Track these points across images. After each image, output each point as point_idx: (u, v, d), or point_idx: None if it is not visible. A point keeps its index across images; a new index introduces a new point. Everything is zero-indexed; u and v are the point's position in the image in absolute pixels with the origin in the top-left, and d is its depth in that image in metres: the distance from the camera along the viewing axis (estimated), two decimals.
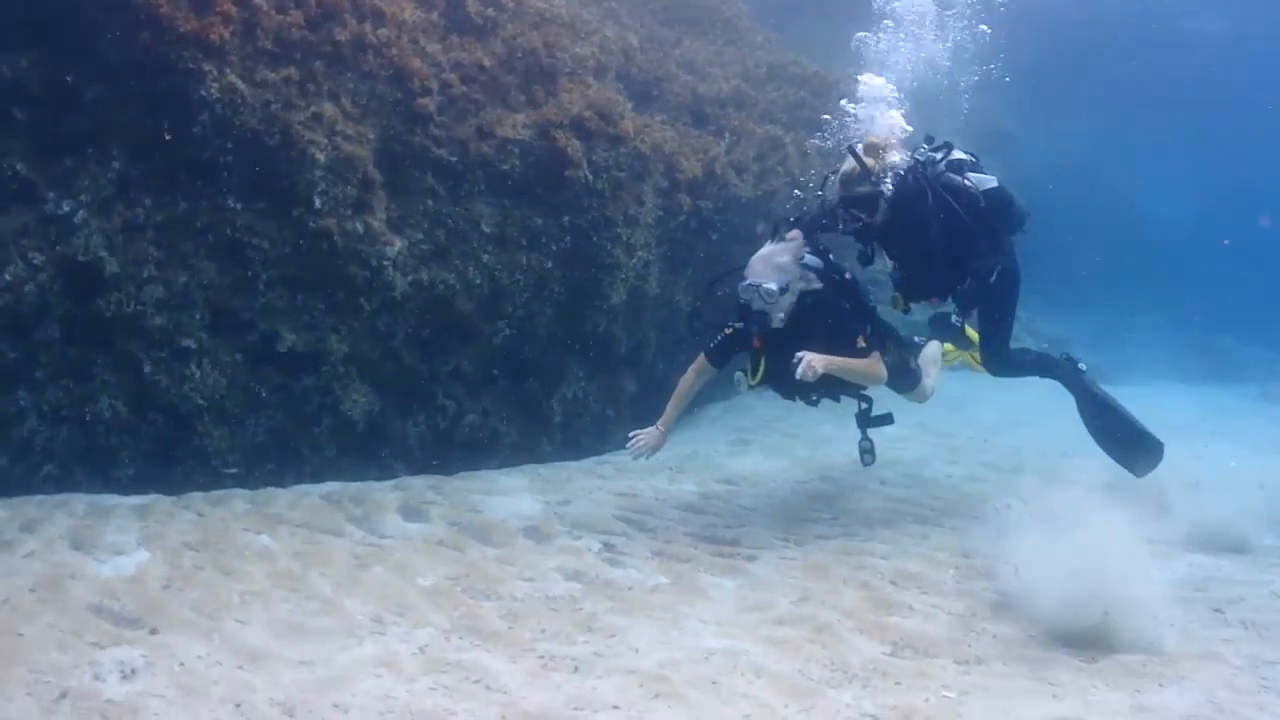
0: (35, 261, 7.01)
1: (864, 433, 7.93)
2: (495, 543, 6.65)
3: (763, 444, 10.27)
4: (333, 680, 4.48)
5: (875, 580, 6.29)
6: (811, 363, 6.70)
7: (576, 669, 4.76)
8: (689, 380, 7.64)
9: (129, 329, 7.33)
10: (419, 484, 7.87)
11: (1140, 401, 15.26)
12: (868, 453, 7.88)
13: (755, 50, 14.47)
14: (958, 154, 7.70)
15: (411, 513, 7.14)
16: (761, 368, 7.33)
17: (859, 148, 7.30)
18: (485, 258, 8.74)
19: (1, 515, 6.33)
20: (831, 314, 7.20)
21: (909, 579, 6.35)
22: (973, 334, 8.69)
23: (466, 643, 5.00)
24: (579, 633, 5.23)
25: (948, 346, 8.88)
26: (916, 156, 7.54)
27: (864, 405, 7.94)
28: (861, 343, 7.14)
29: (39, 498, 6.83)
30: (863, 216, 7.36)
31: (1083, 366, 8.36)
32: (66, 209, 7.13)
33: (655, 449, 7.47)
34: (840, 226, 7.48)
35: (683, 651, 5.00)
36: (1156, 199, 30.73)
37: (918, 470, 9.45)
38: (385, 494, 7.51)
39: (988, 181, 7.63)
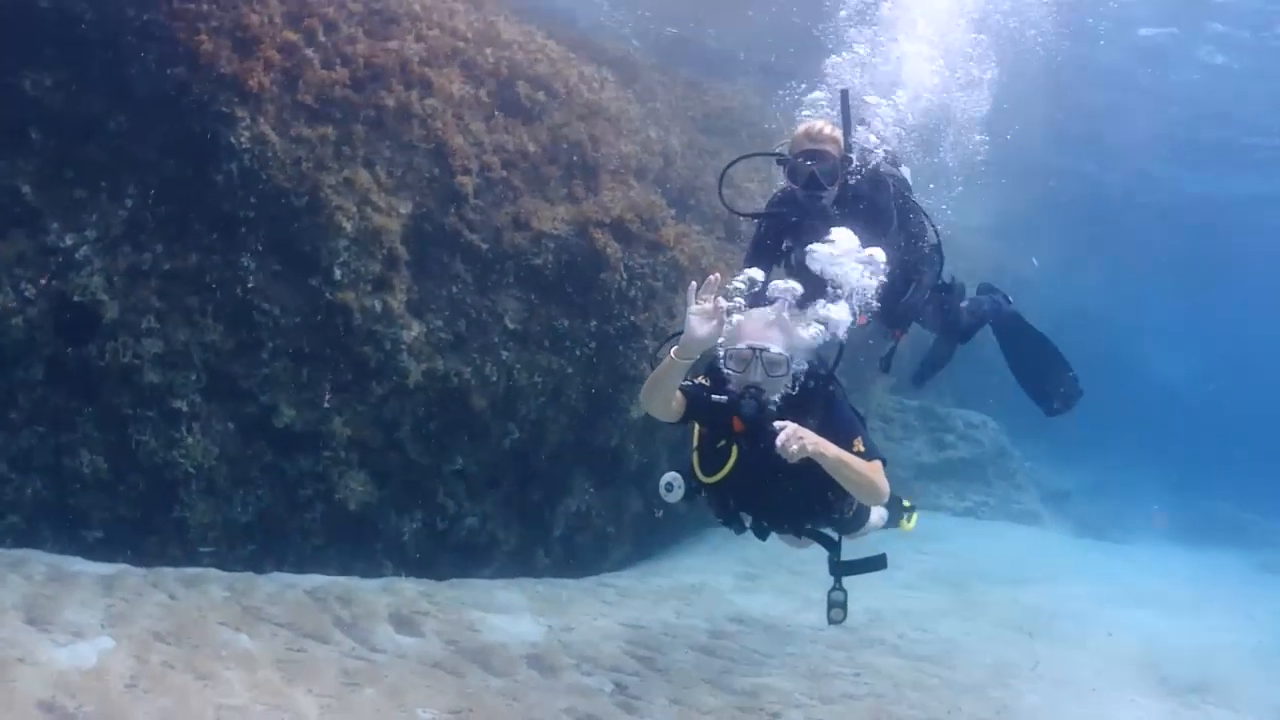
0: (27, 294, 6.55)
1: (838, 580, 6.01)
2: (497, 670, 5.97)
3: (771, 581, 9.65)
4: None
5: None
6: (798, 435, 4.80)
7: None
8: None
9: (120, 381, 6.81)
10: (410, 589, 7.21)
11: (1137, 562, 15.11)
12: (838, 606, 5.96)
13: None
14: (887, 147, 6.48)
15: (404, 624, 6.48)
16: (731, 462, 5.39)
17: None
18: (505, 355, 8.20)
19: None
20: (828, 403, 5.40)
21: None
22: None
23: None
24: None
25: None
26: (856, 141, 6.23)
27: (833, 550, 6.03)
28: (860, 446, 5.27)
29: None
30: (823, 188, 5.91)
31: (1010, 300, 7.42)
32: (70, 242, 6.68)
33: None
34: (791, 199, 6.05)
35: None
36: (1162, 357, 30.72)
37: (934, 626, 8.87)
38: (375, 597, 6.84)
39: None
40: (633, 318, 8.69)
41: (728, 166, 6.50)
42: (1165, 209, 26.33)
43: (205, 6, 6.84)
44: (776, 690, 6.47)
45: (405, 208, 7.72)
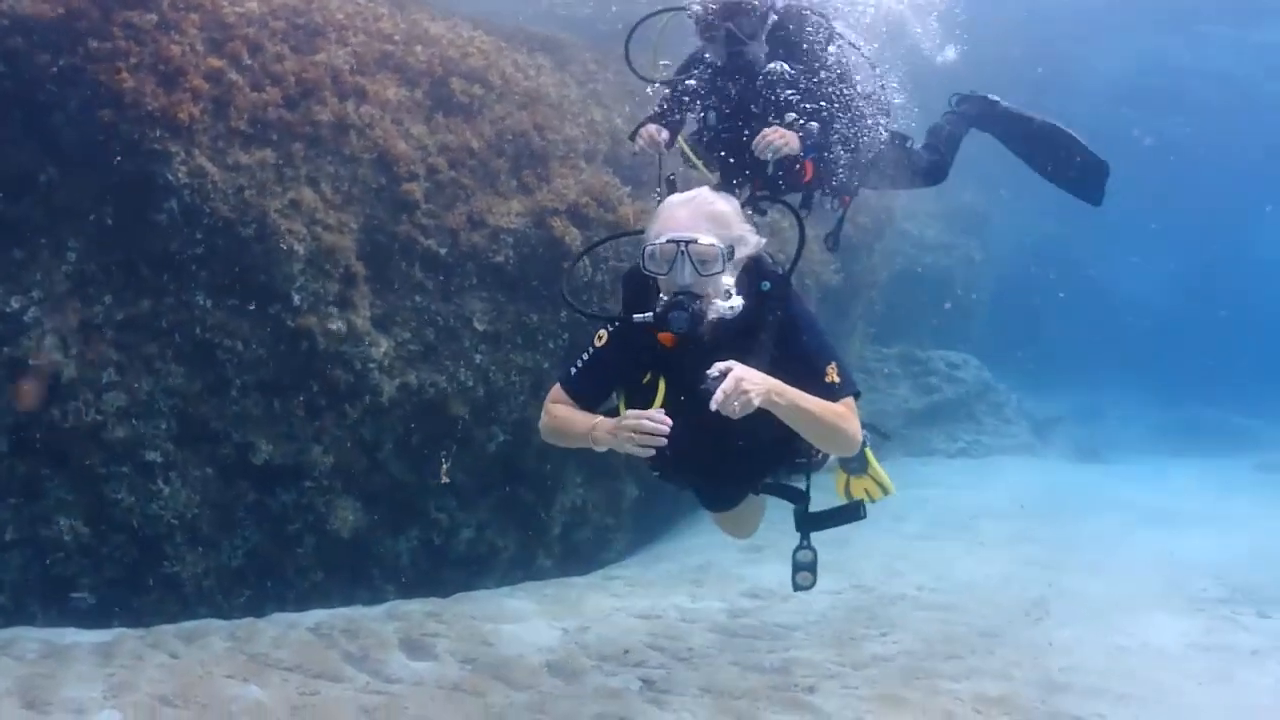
0: None
1: (805, 537, 4.83)
2: (518, 683, 5.75)
3: (777, 548, 9.35)
4: None
5: (958, 708, 5.53)
6: (740, 387, 3.67)
7: None
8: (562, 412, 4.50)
9: (88, 440, 6.56)
10: (416, 610, 6.99)
11: (1138, 480, 15.09)
12: (805, 568, 4.81)
13: None
14: None
15: (415, 648, 6.25)
16: (659, 397, 4.21)
17: None
18: (479, 358, 7.96)
19: None
20: (790, 316, 4.22)
21: (993, 704, 5.61)
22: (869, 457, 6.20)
23: None
24: None
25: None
26: None
27: (800, 502, 4.85)
28: (833, 376, 4.13)
29: None
30: (744, 43, 5.36)
31: (993, 98, 6.76)
32: (16, 306, 6.40)
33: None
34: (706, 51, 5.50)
35: None
36: (1123, 271, 30.70)
37: (950, 573, 8.72)
38: (381, 625, 6.61)
39: None
40: (602, 303, 8.44)
41: (633, 29, 5.69)
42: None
43: (123, 43, 6.54)
44: (806, 662, 6.29)
45: (356, 222, 7.46)
